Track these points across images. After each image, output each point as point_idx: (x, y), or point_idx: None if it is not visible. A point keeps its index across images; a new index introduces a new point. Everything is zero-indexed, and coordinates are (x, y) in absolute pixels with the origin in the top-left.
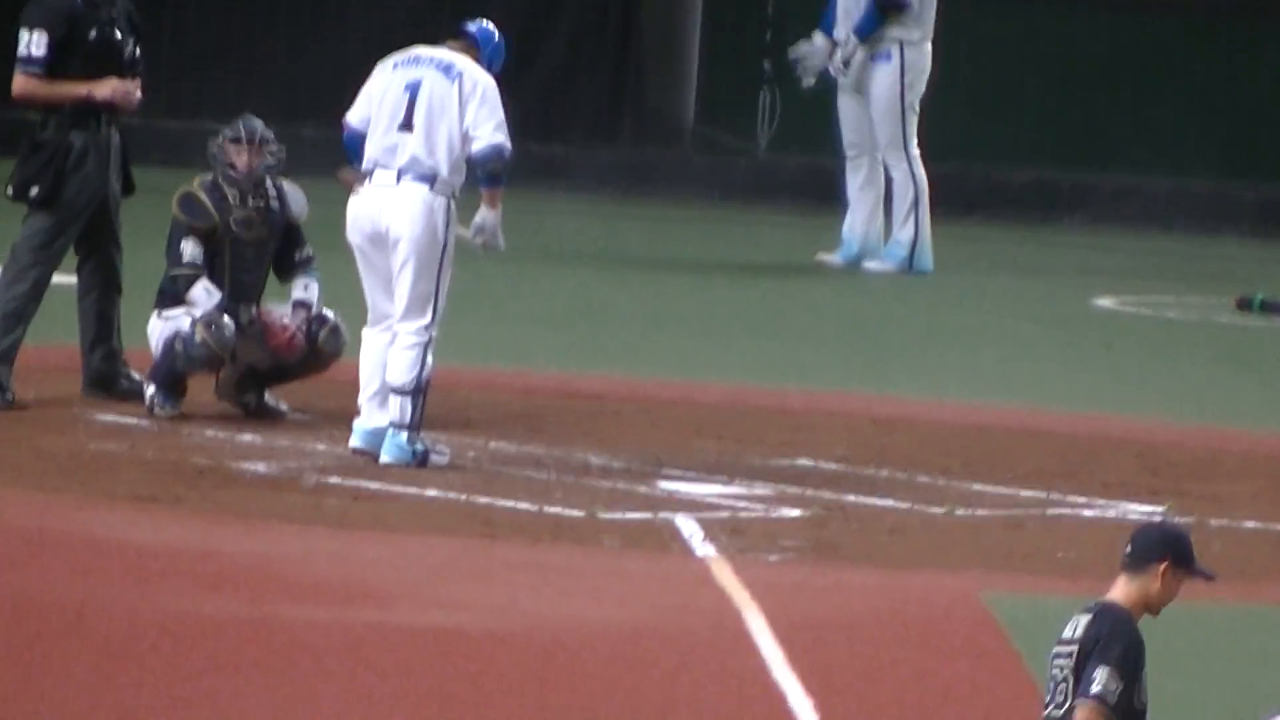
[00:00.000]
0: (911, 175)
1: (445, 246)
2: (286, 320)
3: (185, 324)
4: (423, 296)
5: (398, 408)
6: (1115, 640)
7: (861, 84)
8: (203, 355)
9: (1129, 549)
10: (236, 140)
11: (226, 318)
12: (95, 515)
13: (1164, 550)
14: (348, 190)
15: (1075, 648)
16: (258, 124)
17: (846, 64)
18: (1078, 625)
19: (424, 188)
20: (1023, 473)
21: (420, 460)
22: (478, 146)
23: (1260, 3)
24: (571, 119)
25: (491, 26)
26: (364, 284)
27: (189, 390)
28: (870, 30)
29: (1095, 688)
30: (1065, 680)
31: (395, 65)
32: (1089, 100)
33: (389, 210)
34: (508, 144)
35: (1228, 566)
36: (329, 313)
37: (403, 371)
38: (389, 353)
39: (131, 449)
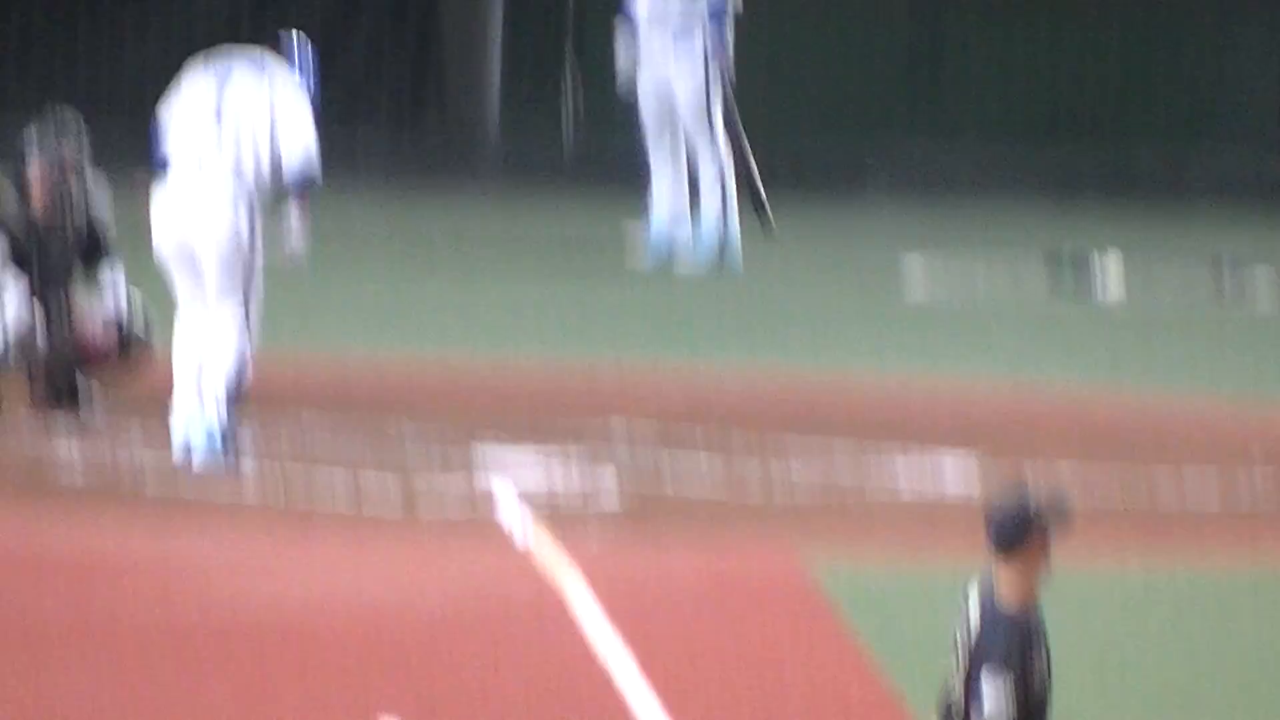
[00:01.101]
0: (716, 152)
1: (253, 242)
2: (96, 322)
3: None
4: (235, 292)
5: (214, 406)
6: (995, 644)
7: (664, 64)
8: (12, 368)
9: (989, 539)
10: (60, 130)
11: (38, 328)
12: None
13: (1017, 531)
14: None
15: (969, 637)
16: (68, 115)
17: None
18: (970, 609)
19: (227, 184)
20: (836, 424)
21: (229, 459)
22: (287, 153)
23: None
24: (374, 117)
25: (297, 36)
26: (174, 281)
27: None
28: (723, 8)
29: (987, 707)
30: (959, 663)
31: (205, 64)
32: (890, 69)
33: (193, 209)
34: (315, 151)
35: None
36: (137, 309)
37: (220, 369)
38: (207, 349)
39: None
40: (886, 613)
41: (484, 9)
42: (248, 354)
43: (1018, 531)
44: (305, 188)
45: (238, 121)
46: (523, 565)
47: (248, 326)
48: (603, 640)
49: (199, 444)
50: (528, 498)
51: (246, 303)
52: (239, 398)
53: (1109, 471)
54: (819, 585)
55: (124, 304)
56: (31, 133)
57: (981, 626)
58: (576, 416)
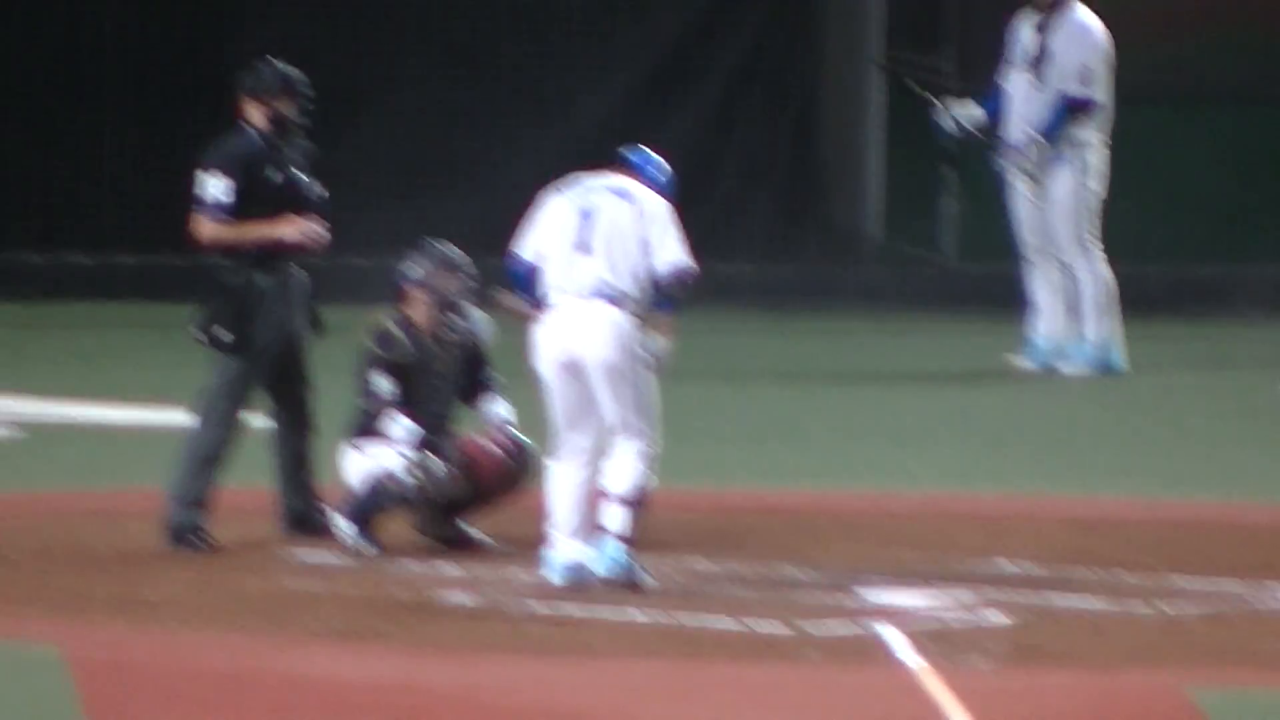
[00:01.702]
0: (1097, 274)
1: (642, 362)
2: (489, 446)
3: (394, 463)
4: (634, 413)
5: (617, 518)
6: None
7: (1040, 185)
8: (416, 496)
9: None
10: (448, 265)
11: (435, 457)
12: (296, 654)
13: None
14: (516, 316)
15: None
16: (449, 248)
17: (1036, 169)
18: None
19: (613, 309)
20: (1224, 566)
21: (633, 577)
22: (662, 268)
23: None
24: (751, 235)
25: (651, 154)
26: (555, 414)
27: (384, 524)
28: (1057, 130)
29: None
30: None
31: (565, 193)
32: (1265, 191)
33: (581, 335)
34: (692, 264)
35: None
36: (523, 439)
37: (624, 481)
38: (610, 465)
39: (331, 586)
40: None
41: (862, 131)
42: (647, 481)
43: None
44: (674, 299)
45: (608, 240)
46: (909, 706)
47: (651, 433)
48: None
49: (579, 575)
50: (915, 644)
51: (646, 408)
52: (641, 510)
53: None
54: (1205, 716)
55: (512, 431)
56: (435, 266)
57: None
58: (961, 557)
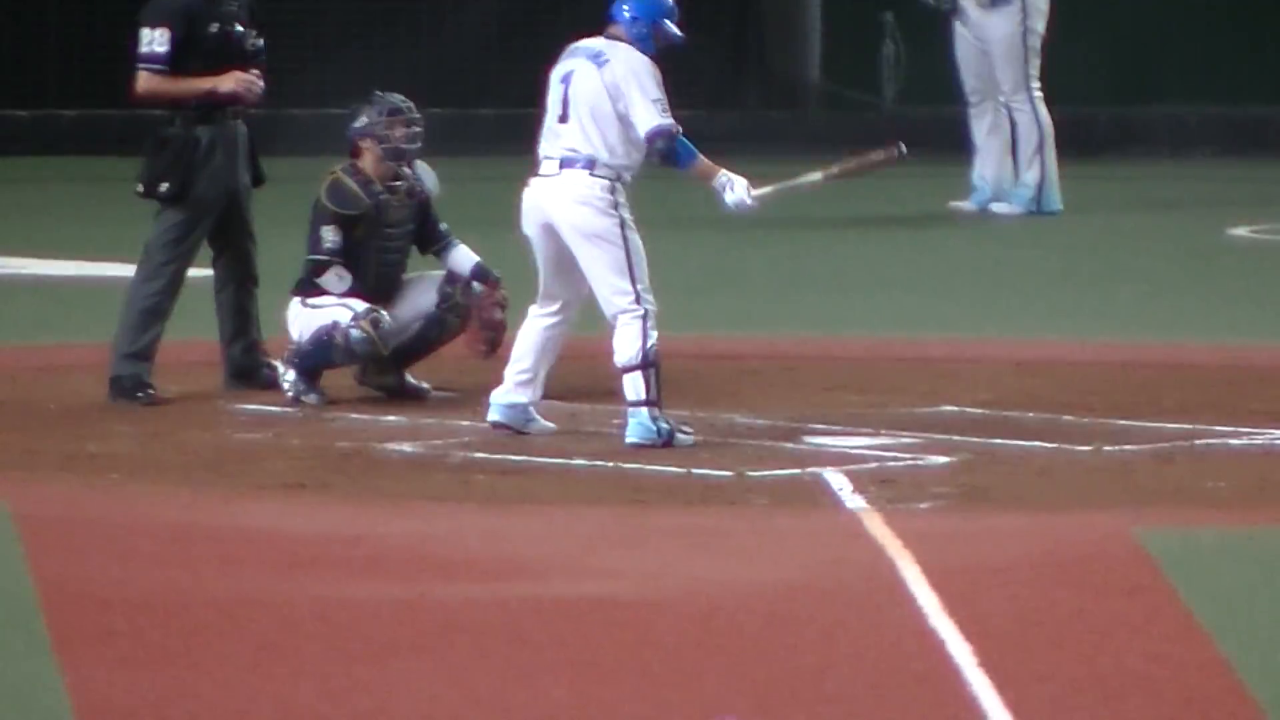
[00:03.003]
0: (1035, 116)
1: (620, 223)
2: (487, 299)
3: (343, 317)
4: (612, 273)
5: (631, 386)
6: None
7: (981, 29)
8: (366, 351)
9: None
10: (394, 114)
11: (384, 312)
12: (243, 506)
13: None
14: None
15: None
16: (398, 99)
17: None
18: None
19: (583, 173)
20: (1168, 407)
21: (666, 440)
22: (642, 135)
23: None
24: (694, 84)
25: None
26: (539, 267)
27: (328, 375)
28: None
29: None
30: None
31: (559, 60)
32: (1213, 35)
33: (551, 200)
34: (664, 122)
35: None
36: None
37: (626, 349)
38: (614, 341)
39: (276, 438)
40: (1215, 580)
41: None
42: (649, 340)
43: None
44: (670, 154)
45: (577, 106)
46: (854, 549)
47: (639, 292)
48: (935, 615)
49: (519, 418)
50: (859, 488)
51: (630, 269)
52: (655, 372)
53: None
54: (1150, 555)
55: (492, 271)
56: (385, 115)
57: None
58: (906, 404)
